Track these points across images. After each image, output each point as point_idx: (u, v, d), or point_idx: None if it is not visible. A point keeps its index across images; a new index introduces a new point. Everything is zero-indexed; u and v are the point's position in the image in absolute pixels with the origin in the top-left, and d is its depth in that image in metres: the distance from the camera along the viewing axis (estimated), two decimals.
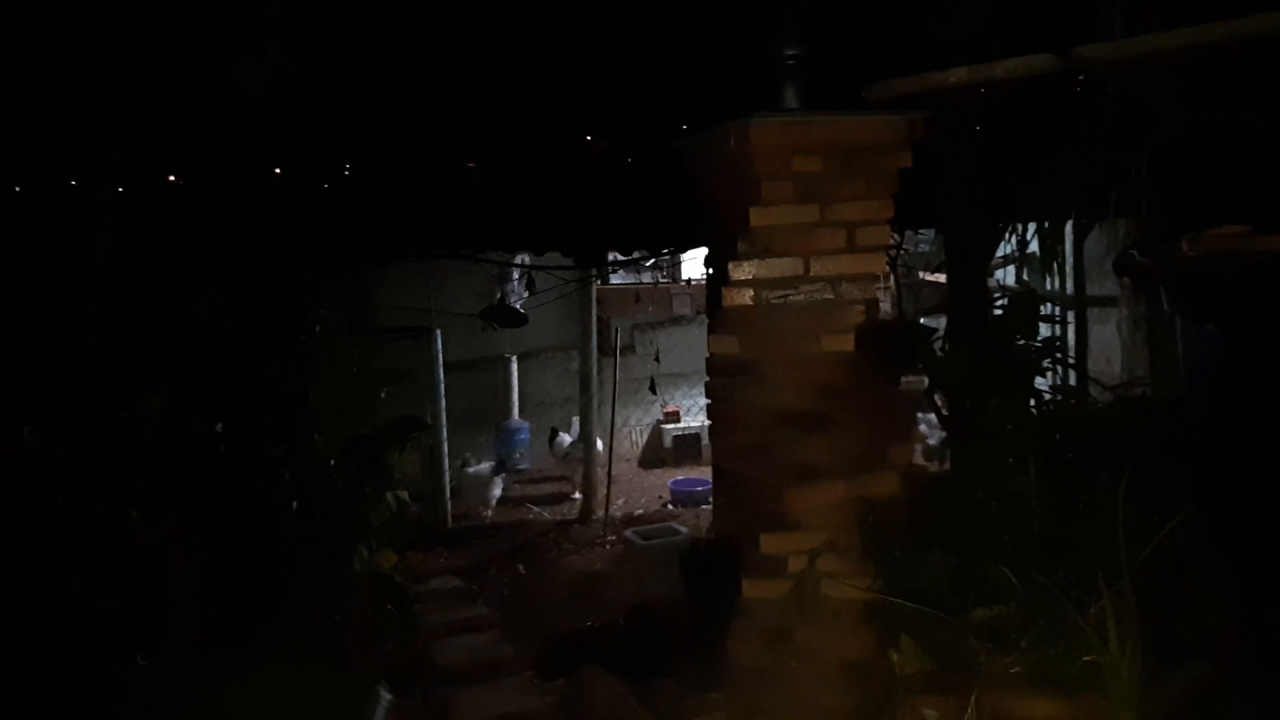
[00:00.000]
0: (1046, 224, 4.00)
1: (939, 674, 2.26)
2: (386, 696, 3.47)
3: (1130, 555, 2.12)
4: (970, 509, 2.61)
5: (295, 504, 4.38)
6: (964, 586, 2.64)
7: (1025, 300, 3.29)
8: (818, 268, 2.94)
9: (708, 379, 3.23)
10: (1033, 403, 2.64)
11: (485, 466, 7.36)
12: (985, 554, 2.42)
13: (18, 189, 4.08)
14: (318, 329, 5.84)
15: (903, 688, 2.30)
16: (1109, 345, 6.94)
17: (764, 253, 2.92)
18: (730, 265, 2.96)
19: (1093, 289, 6.63)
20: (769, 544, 2.99)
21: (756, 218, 2.90)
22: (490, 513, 7.25)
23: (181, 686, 2.97)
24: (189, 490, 3.60)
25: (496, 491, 7.36)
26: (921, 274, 7.18)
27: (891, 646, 2.71)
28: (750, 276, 2.95)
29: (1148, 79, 2.47)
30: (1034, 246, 5.20)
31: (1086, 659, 2.03)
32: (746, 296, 2.99)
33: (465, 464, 7.49)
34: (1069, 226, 5.07)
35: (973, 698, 2.03)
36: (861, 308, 2.98)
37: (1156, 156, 2.58)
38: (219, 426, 4.09)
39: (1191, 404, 2.45)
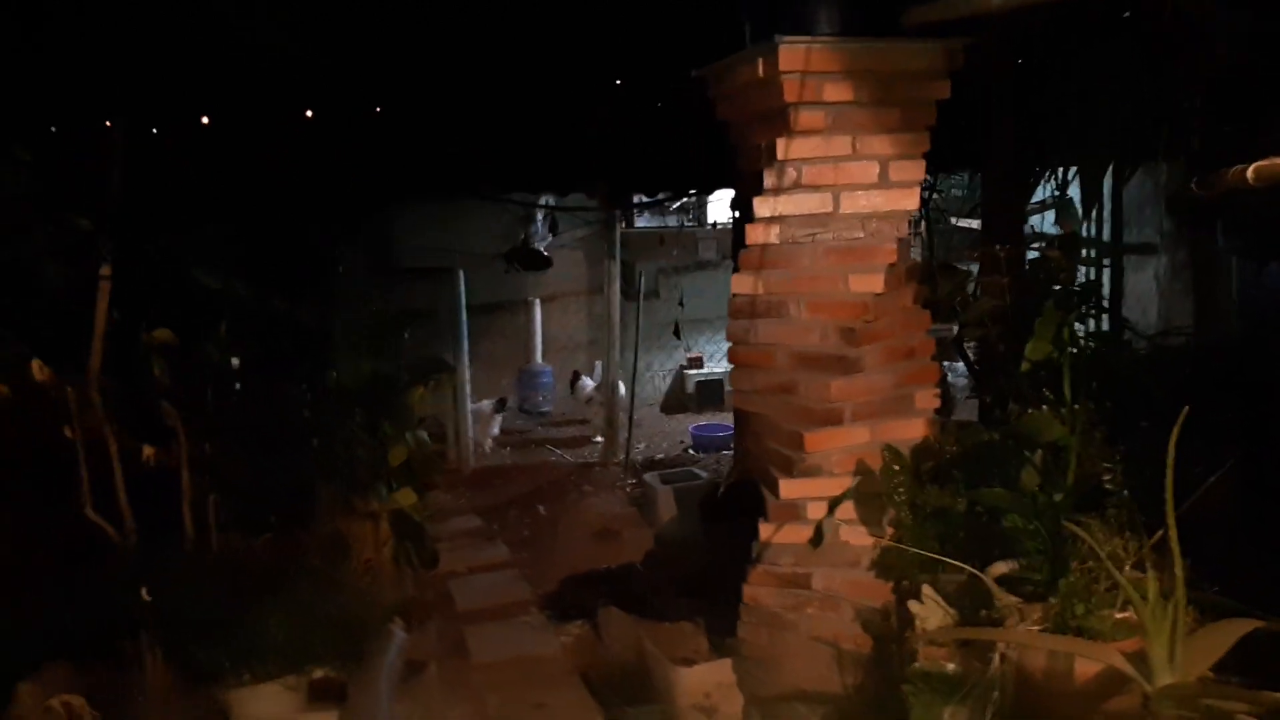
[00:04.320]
0: (1088, 167, 3.82)
1: (960, 628, 2.18)
2: (400, 634, 3.46)
3: (1175, 506, 2.00)
4: (1000, 458, 2.51)
5: (315, 440, 4.37)
6: (991, 537, 2.55)
7: (1066, 243, 3.15)
8: (848, 204, 2.81)
9: (730, 320, 3.12)
10: (1070, 350, 2.52)
11: (486, 404, 7.26)
12: (1015, 505, 2.32)
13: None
14: (340, 267, 5.80)
15: (923, 640, 2.23)
16: (1145, 294, 6.73)
17: (792, 187, 2.79)
18: (755, 201, 2.84)
19: (1130, 236, 6.41)
20: (788, 489, 2.92)
21: (784, 149, 2.76)
22: (489, 449, 7.19)
23: (188, 618, 2.95)
24: (203, 423, 3.57)
25: (495, 429, 7.30)
26: (954, 219, 6.98)
27: (912, 597, 2.64)
28: (777, 213, 2.83)
29: None
30: (1072, 191, 5.01)
31: (1120, 615, 1.94)
32: (772, 234, 2.87)
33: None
34: (1109, 170, 4.87)
35: (996, 653, 1.95)
36: (892, 247, 2.85)
37: (1213, 85, 2.41)
38: (235, 361, 4.05)
39: (1248, 346, 2.31)
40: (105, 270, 3.54)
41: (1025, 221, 4.00)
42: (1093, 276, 5.14)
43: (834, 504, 2.74)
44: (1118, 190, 5.36)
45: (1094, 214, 5.38)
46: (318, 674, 3.17)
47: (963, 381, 6.10)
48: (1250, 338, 2.43)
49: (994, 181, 3.79)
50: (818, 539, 2.73)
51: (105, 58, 3.72)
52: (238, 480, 3.77)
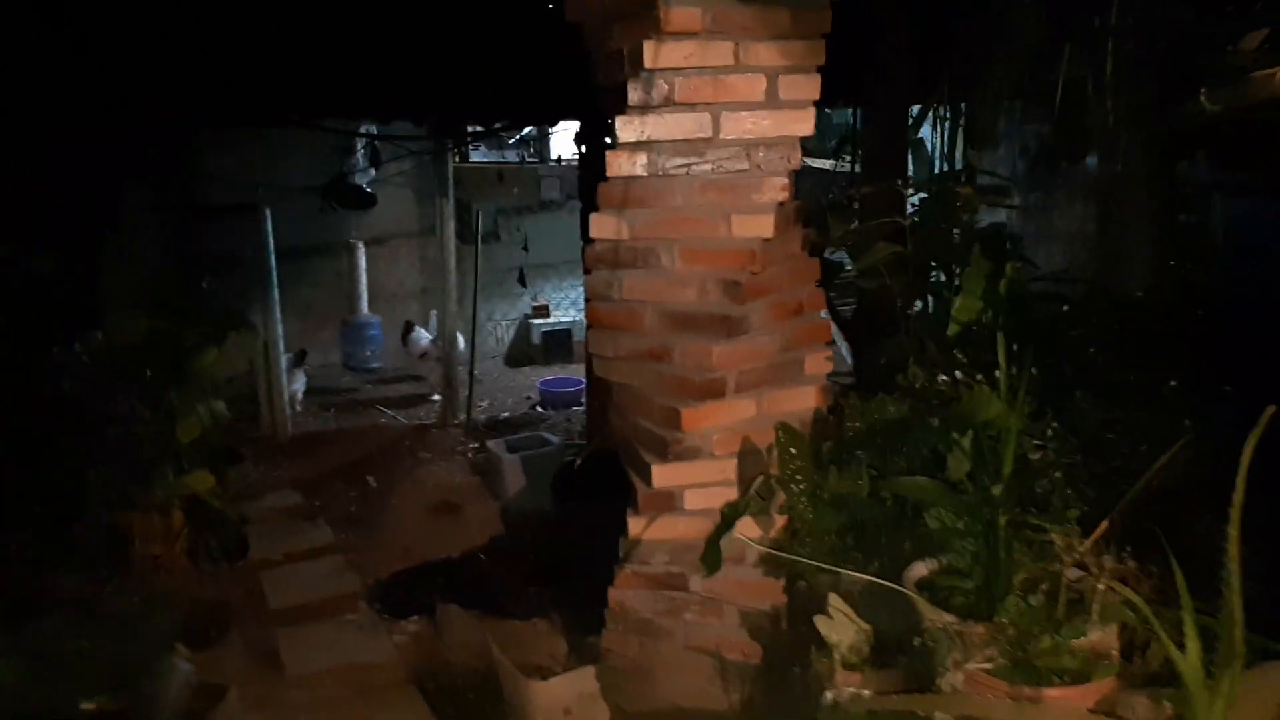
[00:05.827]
0: (979, 100, 3.46)
1: (901, 696, 1.70)
2: (184, 666, 2.80)
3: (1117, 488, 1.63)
4: (916, 437, 2.10)
5: (77, 418, 3.63)
6: (901, 527, 2.16)
7: (970, 176, 2.75)
8: (730, 127, 2.29)
9: (587, 271, 2.58)
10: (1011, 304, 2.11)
11: (283, 358, 6.34)
12: (943, 498, 1.91)
13: None
14: (118, 205, 4.93)
15: (839, 664, 1.81)
16: None
17: (663, 104, 2.24)
18: (618, 120, 2.28)
19: (982, 179, 6.26)
20: (662, 475, 2.43)
21: (653, 55, 2.20)
22: (291, 413, 6.32)
23: None
24: None
25: (299, 387, 6.50)
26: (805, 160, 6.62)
27: (809, 598, 2.23)
28: (644, 136, 2.28)
29: None
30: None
31: (1087, 640, 1.56)
32: (639, 164, 2.32)
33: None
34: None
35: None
36: (783, 181, 2.36)
37: None
38: None
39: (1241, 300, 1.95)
40: None
41: (908, 158, 3.61)
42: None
43: (731, 515, 2.23)
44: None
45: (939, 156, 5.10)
46: None
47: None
48: (1243, 290, 2.09)
49: (879, 112, 3.38)
50: (713, 560, 2.21)
51: None
52: None
